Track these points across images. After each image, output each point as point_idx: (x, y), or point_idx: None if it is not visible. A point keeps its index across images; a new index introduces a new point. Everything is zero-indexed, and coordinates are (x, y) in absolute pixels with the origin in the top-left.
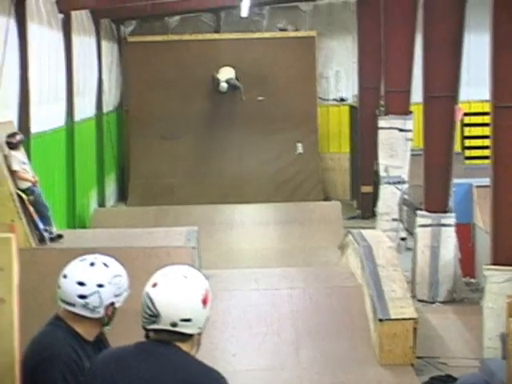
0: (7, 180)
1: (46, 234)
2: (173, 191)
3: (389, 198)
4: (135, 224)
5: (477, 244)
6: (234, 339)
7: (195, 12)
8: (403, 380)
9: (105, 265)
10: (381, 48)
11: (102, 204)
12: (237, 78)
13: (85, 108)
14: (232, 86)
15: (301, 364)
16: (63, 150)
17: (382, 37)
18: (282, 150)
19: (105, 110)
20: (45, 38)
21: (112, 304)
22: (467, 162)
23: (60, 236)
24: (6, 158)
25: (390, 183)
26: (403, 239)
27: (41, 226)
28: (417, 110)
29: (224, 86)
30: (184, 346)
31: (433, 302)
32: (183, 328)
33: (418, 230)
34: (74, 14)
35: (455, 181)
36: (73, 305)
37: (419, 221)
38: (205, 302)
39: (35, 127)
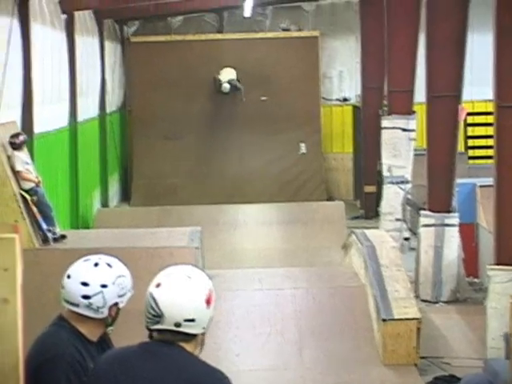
0: (10, 180)
1: (49, 235)
2: (176, 191)
3: (392, 198)
4: (138, 224)
5: (480, 244)
6: (237, 339)
7: (198, 12)
8: (407, 380)
9: (108, 265)
10: (384, 48)
11: (105, 204)
12: (238, 80)
13: (88, 108)
14: (233, 87)
15: (304, 364)
16: (66, 151)
17: (385, 37)
18: (285, 150)
19: (108, 110)
20: (48, 38)
21: (116, 304)
22: (470, 161)
23: (63, 236)
24: (9, 158)
25: (393, 183)
26: (406, 239)
27: (44, 226)
28: (420, 110)
29: (226, 86)
30: (188, 346)
31: (436, 302)
32: (187, 328)
33: (422, 230)
34: (77, 14)
35: (458, 181)
36: (76, 305)
37: (422, 221)
38: (208, 302)
39: (38, 127)
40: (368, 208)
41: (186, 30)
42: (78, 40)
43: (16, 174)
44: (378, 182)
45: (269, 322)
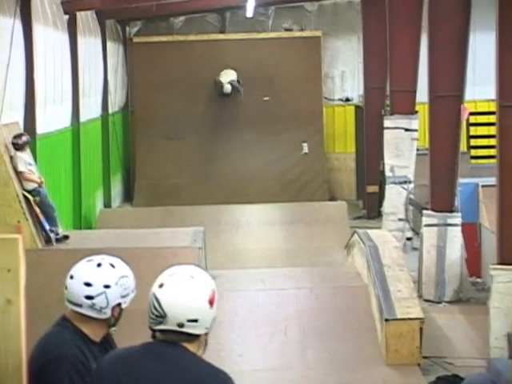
0: (13, 181)
1: (52, 235)
2: (178, 192)
3: (395, 198)
4: (141, 224)
5: (483, 244)
6: (240, 339)
7: (200, 12)
8: (410, 380)
9: (111, 265)
10: (386, 48)
11: (107, 205)
12: (238, 81)
13: (90, 109)
14: (234, 88)
15: (307, 364)
16: (69, 151)
17: (388, 36)
18: (288, 150)
19: (110, 110)
20: (50, 38)
21: (119, 305)
22: (473, 161)
23: (66, 237)
24: (12, 159)
25: (395, 183)
26: (409, 239)
27: (47, 226)
28: (422, 110)
29: (228, 87)
30: (191, 347)
31: (439, 302)
32: (190, 328)
33: (424, 230)
34: (79, 14)
35: (461, 180)
36: (80, 305)
37: (425, 220)
38: (211, 302)
39: (41, 128)
40: (370, 208)
41: (188, 30)
42: (81, 40)
43: (19, 174)
44: (381, 181)
45: (272, 322)
